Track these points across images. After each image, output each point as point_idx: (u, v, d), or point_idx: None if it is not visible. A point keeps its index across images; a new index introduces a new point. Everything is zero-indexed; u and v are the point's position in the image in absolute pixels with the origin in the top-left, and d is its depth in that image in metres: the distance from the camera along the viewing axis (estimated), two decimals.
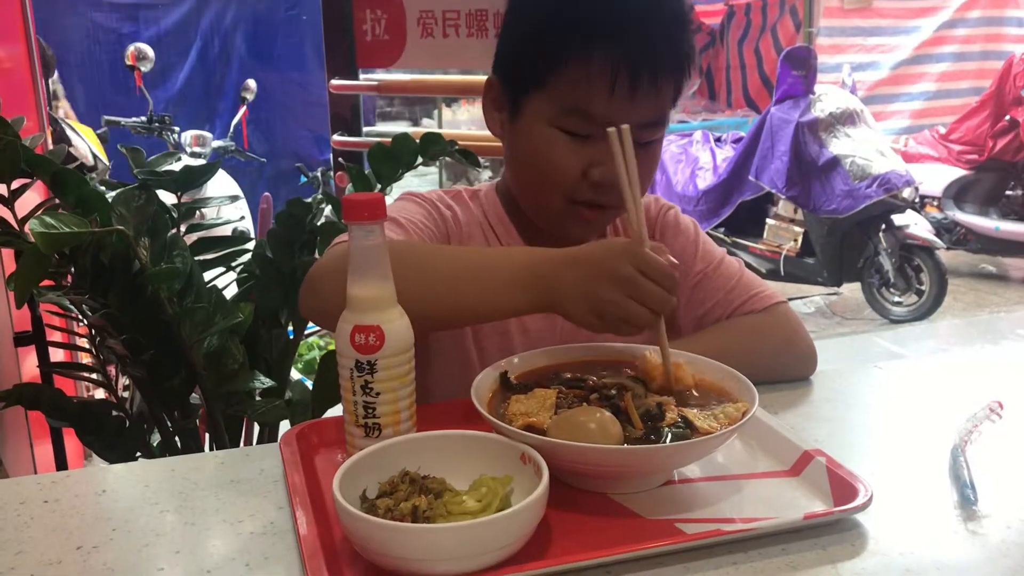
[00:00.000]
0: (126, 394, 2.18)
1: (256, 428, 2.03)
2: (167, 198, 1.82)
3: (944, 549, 0.80)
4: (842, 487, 0.86)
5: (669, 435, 0.87)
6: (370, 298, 0.84)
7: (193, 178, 1.83)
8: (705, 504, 0.86)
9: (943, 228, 6.00)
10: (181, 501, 0.90)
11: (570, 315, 0.94)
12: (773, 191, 5.28)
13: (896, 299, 5.21)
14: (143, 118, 4.84)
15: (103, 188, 1.89)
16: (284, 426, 1.90)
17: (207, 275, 1.86)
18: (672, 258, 0.95)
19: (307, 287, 1.05)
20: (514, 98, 1.14)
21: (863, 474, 0.87)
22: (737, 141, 5.75)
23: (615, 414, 0.88)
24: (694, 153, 5.85)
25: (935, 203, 6.16)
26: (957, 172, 6.13)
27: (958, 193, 6.11)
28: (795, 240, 5.37)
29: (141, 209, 1.71)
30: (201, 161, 4.65)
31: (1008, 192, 6.05)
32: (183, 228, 1.88)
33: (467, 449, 0.85)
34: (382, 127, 7.53)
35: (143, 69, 4.76)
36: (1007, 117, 5.97)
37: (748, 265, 5.21)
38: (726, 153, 5.70)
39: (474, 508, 0.77)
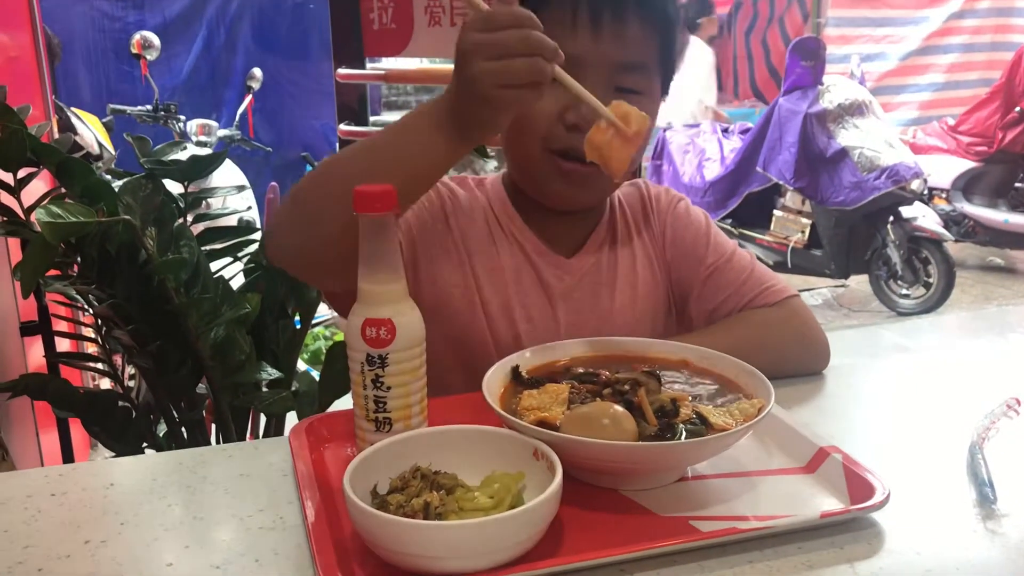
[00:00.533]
0: (131, 384, 2.18)
1: (263, 419, 2.03)
2: (173, 188, 1.81)
3: (963, 548, 0.79)
4: (859, 485, 0.84)
5: (683, 431, 0.86)
6: (381, 291, 0.83)
7: (200, 168, 1.82)
8: (719, 501, 0.85)
9: (951, 220, 5.97)
10: (189, 495, 0.90)
11: (481, 121, 0.92)
12: (781, 182, 5.25)
13: (904, 291, 5.19)
14: (148, 107, 4.81)
15: (109, 177, 1.88)
16: (291, 417, 1.89)
17: (214, 265, 1.85)
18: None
19: (269, 228, 1.04)
20: None
21: (879, 471, 0.86)
22: (744, 132, 5.72)
23: (628, 410, 0.87)
24: (701, 144, 5.82)
25: (943, 195, 6.12)
26: (966, 164, 6.10)
27: (967, 185, 6.08)
28: (802, 232, 5.34)
29: (148, 199, 1.70)
30: (207, 150, 4.64)
31: (1017, 184, 6.01)
32: (190, 218, 1.88)
33: (479, 444, 0.84)
34: (388, 116, 7.52)
35: (149, 58, 4.73)
36: (1017, 109, 5.92)
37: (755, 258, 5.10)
38: (733, 144, 5.67)
39: (486, 505, 0.76)
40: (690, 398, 0.92)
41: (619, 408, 0.85)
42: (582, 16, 1.06)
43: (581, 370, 0.99)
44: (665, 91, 1.18)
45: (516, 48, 0.85)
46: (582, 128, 1.05)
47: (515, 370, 0.98)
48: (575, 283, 1.21)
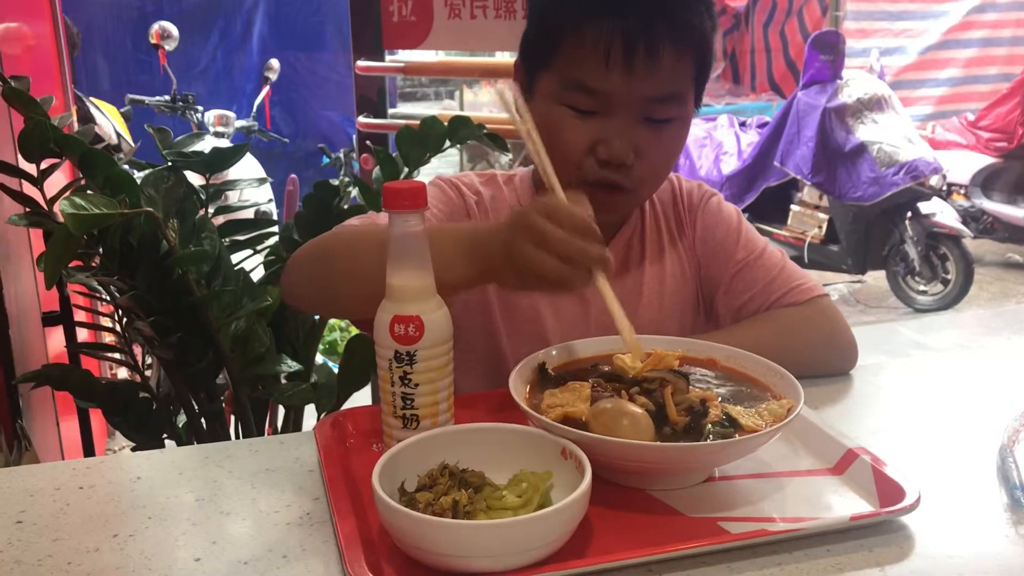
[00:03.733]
0: (149, 373, 2.19)
1: (281, 411, 2.03)
2: (194, 179, 1.81)
3: (994, 553, 0.79)
4: (888, 487, 0.84)
5: (711, 432, 0.85)
6: (410, 288, 0.83)
7: (223, 160, 1.82)
8: (747, 502, 0.84)
9: (970, 216, 5.93)
10: (216, 489, 0.90)
11: (501, 279, 0.92)
12: (798, 177, 5.22)
13: (921, 288, 5.16)
14: (167, 97, 4.83)
15: (130, 168, 1.88)
16: (309, 409, 1.90)
17: (235, 258, 1.85)
18: (591, 210, 0.90)
19: (287, 271, 1.07)
20: (530, 79, 1.14)
21: (908, 473, 0.85)
22: (762, 126, 5.69)
23: (656, 408, 0.87)
24: (718, 137, 5.80)
25: (962, 191, 6.08)
26: (985, 160, 6.05)
27: (986, 181, 6.03)
28: (820, 227, 5.32)
29: (170, 191, 1.70)
30: (225, 141, 4.65)
31: None
32: (211, 210, 1.88)
33: (506, 443, 0.84)
34: (403, 108, 7.52)
35: (167, 48, 4.74)
36: None
37: None
38: (751, 138, 5.64)
39: (514, 504, 0.76)
40: (719, 398, 0.92)
41: (636, 408, 0.85)
42: (615, 54, 1.03)
43: (607, 368, 0.98)
44: (698, 105, 1.16)
45: (563, 251, 0.85)
46: (614, 163, 1.07)
47: (542, 367, 0.98)
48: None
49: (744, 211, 5.60)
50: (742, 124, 5.94)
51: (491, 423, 0.86)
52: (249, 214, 4.44)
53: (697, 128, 5.93)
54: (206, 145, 1.93)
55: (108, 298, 1.82)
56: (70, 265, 1.68)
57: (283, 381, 1.87)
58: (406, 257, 0.82)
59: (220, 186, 1.88)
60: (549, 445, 0.82)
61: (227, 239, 1.87)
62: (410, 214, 0.81)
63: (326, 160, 5.24)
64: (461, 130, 1.92)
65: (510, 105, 0.94)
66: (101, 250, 1.69)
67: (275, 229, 1.96)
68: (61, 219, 1.42)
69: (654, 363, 0.93)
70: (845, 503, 0.84)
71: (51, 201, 1.63)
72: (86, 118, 3.49)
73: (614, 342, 1.04)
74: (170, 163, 1.74)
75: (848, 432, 0.95)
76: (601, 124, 1.07)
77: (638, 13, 1.03)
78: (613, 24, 1.03)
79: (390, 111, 3.06)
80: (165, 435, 1.90)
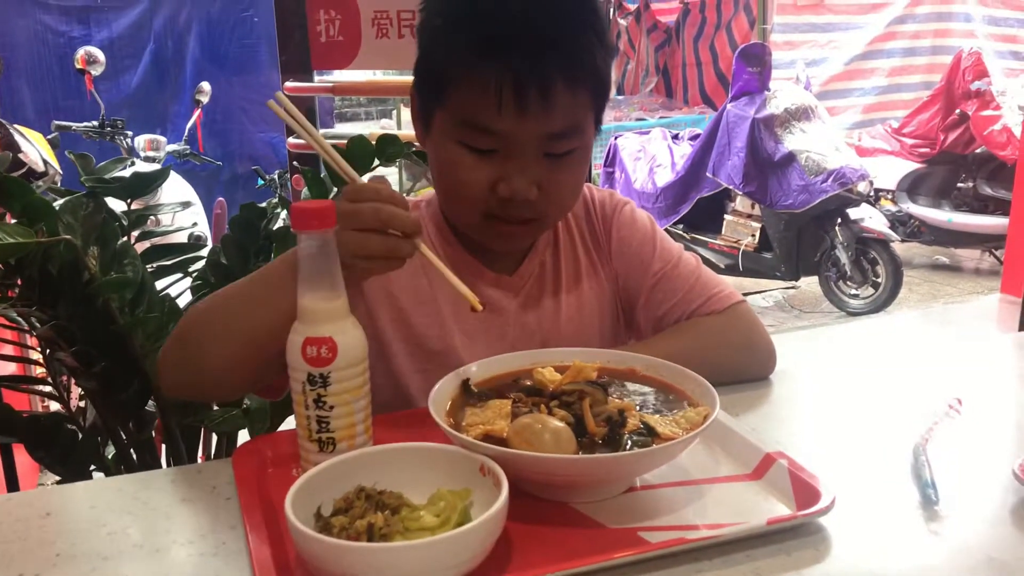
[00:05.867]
0: (83, 404, 2.13)
1: (215, 438, 2.00)
2: (119, 206, 1.78)
3: (907, 551, 0.80)
4: (805, 490, 0.85)
5: (630, 442, 0.86)
6: (321, 309, 0.82)
7: (143, 184, 1.79)
8: (668, 511, 0.85)
9: (898, 221, 6.09)
10: (129, 522, 0.87)
11: None
12: (730, 187, 5.31)
13: (853, 292, 5.27)
14: (95, 123, 4.74)
15: (51, 196, 1.84)
16: (243, 435, 1.86)
17: (162, 283, 1.82)
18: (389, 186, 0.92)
19: (160, 368, 1.04)
20: (425, 112, 1.11)
21: (826, 475, 0.86)
22: (694, 138, 5.77)
23: (576, 420, 0.87)
24: (652, 150, 5.87)
25: (889, 196, 6.24)
26: (910, 165, 6.22)
27: (911, 186, 6.20)
28: (753, 235, 5.40)
29: (89, 217, 1.66)
30: (156, 166, 4.57)
31: (960, 184, 6.14)
32: (134, 236, 1.84)
33: (424, 462, 0.83)
34: (341, 128, 7.47)
35: (94, 73, 4.66)
36: (957, 111, 6.06)
37: (707, 261, 5.16)
38: (684, 150, 5.72)
39: (432, 524, 0.75)
40: (637, 407, 0.92)
41: (558, 422, 0.85)
42: (507, 96, 0.99)
43: (529, 382, 0.98)
44: (598, 127, 1.13)
45: (371, 223, 0.88)
46: (516, 201, 1.05)
47: (465, 383, 0.98)
48: (521, 300, 1.20)
49: (679, 222, 5.71)
50: (675, 137, 6.02)
51: (409, 443, 0.85)
52: (182, 238, 4.38)
53: (632, 141, 6.00)
54: (134, 170, 1.89)
55: (30, 329, 1.77)
56: None
57: (214, 407, 1.83)
58: (317, 278, 0.82)
59: (143, 211, 1.85)
60: (468, 462, 0.82)
61: (152, 264, 1.84)
62: (320, 234, 0.80)
63: (261, 182, 5.18)
64: (388, 148, 1.91)
65: (284, 114, 0.93)
66: (20, 280, 1.64)
67: (202, 253, 1.93)
68: None
69: (572, 376, 0.94)
70: (763, 507, 0.85)
71: None
72: (9, 145, 3.40)
73: (534, 356, 1.04)
74: (88, 189, 1.70)
75: (767, 437, 0.96)
76: (501, 162, 1.04)
77: (527, 52, 0.99)
78: (502, 65, 0.99)
79: (327, 131, 3.05)
80: (94, 467, 1.86)
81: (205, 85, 5.42)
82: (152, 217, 1.91)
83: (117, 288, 1.61)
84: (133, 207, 1.82)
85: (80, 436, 1.81)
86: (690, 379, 0.96)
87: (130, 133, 4.82)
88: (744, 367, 1.18)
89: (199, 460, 2.02)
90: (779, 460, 0.89)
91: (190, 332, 1.01)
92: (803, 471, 0.87)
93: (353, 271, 0.88)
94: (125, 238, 1.77)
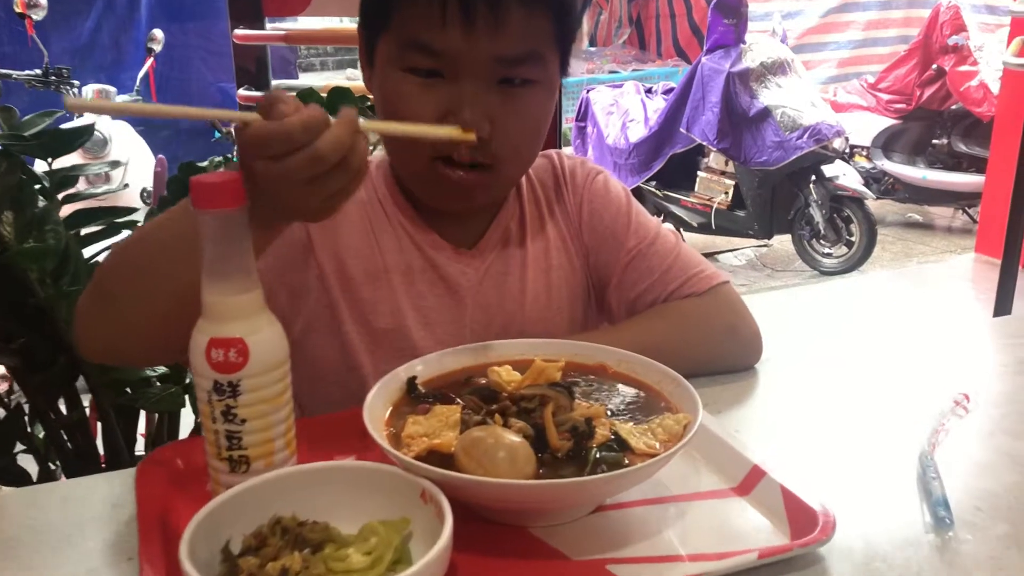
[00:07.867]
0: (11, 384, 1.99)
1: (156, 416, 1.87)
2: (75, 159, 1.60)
3: None
4: (800, 513, 0.73)
5: (597, 457, 0.73)
6: (229, 304, 0.68)
7: (66, 141, 1.63)
8: (641, 537, 0.73)
9: (872, 178, 5.99)
10: (10, 549, 0.74)
11: (265, 219, 0.75)
12: (704, 143, 5.18)
13: (826, 251, 5.19)
14: (38, 71, 4.48)
15: None
16: (186, 413, 1.73)
17: (92, 249, 1.67)
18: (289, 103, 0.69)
19: (76, 326, 0.89)
20: (370, 46, 1.00)
21: (822, 490, 0.75)
22: (668, 92, 5.62)
23: (534, 432, 0.74)
24: (624, 104, 5.70)
25: (864, 153, 6.14)
26: (886, 121, 6.11)
27: (886, 142, 6.10)
28: (726, 193, 5.28)
29: (2, 178, 1.50)
30: (105, 118, 4.35)
31: (935, 141, 6.05)
32: (60, 198, 1.68)
33: (357, 484, 0.70)
34: (305, 79, 7.20)
35: (35, 17, 4.39)
36: (933, 66, 5.95)
37: (679, 219, 5.02)
38: (657, 104, 5.57)
39: (361, 564, 0.63)
40: (608, 413, 0.80)
41: (514, 436, 0.72)
42: (452, 7, 0.90)
43: (484, 382, 0.85)
44: (564, 72, 1.03)
45: (300, 140, 0.68)
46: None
47: (411, 382, 0.85)
48: (480, 276, 1.06)
49: (651, 179, 5.57)
50: (648, 91, 5.86)
51: (338, 461, 0.72)
52: (135, 196, 4.17)
53: (604, 95, 5.83)
54: (72, 126, 1.73)
55: None
56: None
57: (157, 384, 1.70)
58: (223, 266, 0.67)
59: (68, 171, 1.69)
60: (407, 486, 0.69)
61: (81, 230, 1.69)
62: (224, 213, 0.66)
63: (217, 135, 4.96)
64: (340, 103, 1.76)
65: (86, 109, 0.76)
66: None
67: (135, 217, 1.78)
68: None
69: (533, 377, 0.81)
70: (752, 533, 0.73)
71: None
72: None
73: (492, 348, 0.91)
74: (3, 147, 1.54)
75: (753, 437, 0.85)
76: (448, 90, 0.93)
77: None
78: None
79: (274, 83, 2.88)
80: (24, 448, 1.72)
81: (157, 32, 5.16)
82: (106, 172, 1.74)
83: (35, 257, 1.46)
84: (83, 165, 1.65)
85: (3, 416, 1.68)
86: (669, 378, 0.84)
87: (77, 83, 4.56)
88: (726, 356, 1.06)
89: (139, 439, 1.89)
90: (769, 474, 0.77)
91: (109, 286, 0.86)
92: (797, 489, 0.75)
93: (281, 215, 0.75)
94: (47, 202, 1.61)
